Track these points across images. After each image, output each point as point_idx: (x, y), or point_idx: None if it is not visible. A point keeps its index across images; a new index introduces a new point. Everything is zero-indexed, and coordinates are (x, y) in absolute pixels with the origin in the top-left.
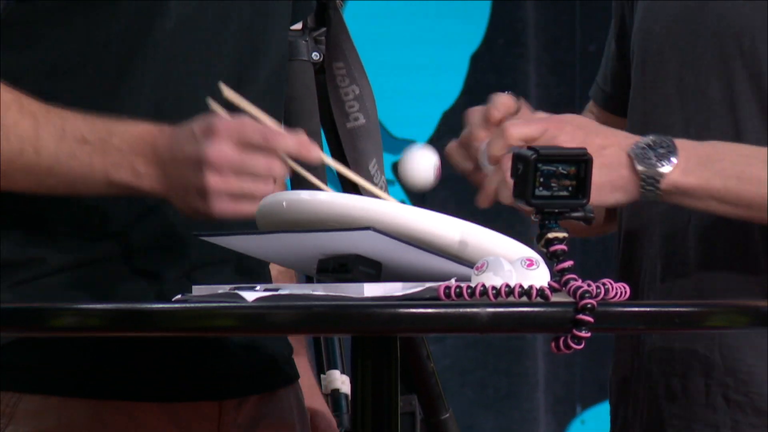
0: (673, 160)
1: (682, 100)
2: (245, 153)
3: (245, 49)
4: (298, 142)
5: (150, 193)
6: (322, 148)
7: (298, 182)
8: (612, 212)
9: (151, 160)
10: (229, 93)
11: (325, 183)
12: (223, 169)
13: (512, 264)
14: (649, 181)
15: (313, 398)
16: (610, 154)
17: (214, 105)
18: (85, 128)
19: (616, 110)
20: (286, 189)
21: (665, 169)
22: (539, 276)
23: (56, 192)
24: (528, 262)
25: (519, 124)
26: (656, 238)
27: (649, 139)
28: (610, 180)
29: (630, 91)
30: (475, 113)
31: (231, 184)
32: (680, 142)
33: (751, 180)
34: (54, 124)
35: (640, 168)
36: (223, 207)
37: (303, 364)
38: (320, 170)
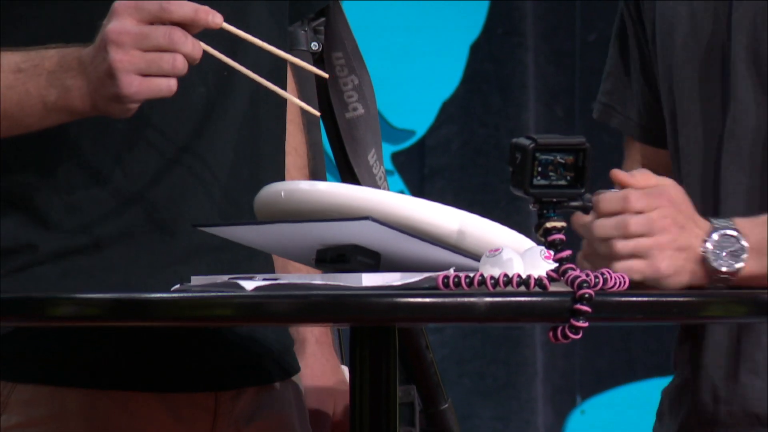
0: (743, 259)
1: (704, 113)
2: (145, 26)
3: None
4: (194, 9)
5: (81, 108)
6: (320, 137)
7: (315, 173)
8: None
9: (77, 71)
10: None
11: (324, 171)
12: (125, 44)
13: (529, 252)
14: (724, 278)
15: (337, 385)
16: (690, 245)
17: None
18: (20, 58)
19: (656, 142)
20: (306, 177)
21: (739, 264)
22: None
23: (5, 131)
24: (546, 253)
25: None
26: None
27: (720, 235)
28: (686, 268)
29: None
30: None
31: (135, 58)
32: (742, 226)
33: None
34: None
35: (719, 268)
36: (133, 84)
37: (327, 350)
38: (318, 157)
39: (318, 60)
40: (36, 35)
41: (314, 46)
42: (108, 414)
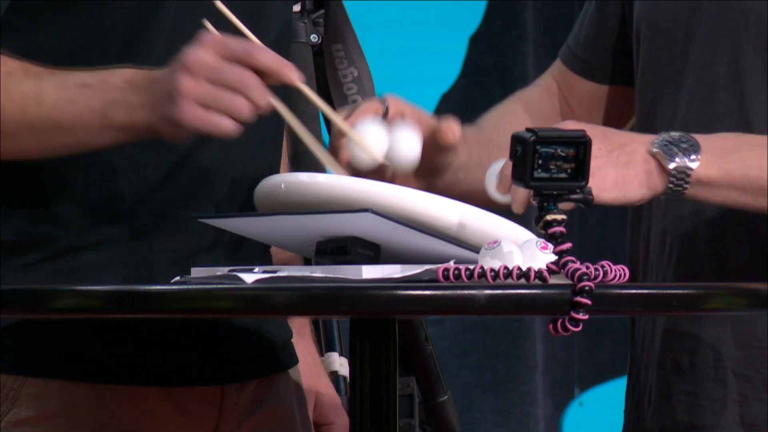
0: (697, 154)
1: (688, 75)
2: (223, 62)
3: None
4: (277, 61)
5: (140, 125)
6: (320, 131)
7: (294, 162)
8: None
9: (145, 90)
10: (221, 6)
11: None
12: (197, 73)
13: (526, 244)
14: (680, 176)
15: (317, 377)
16: (634, 152)
17: (209, 25)
18: (88, 75)
19: (586, 74)
20: (285, 167)
21: (694, 163)
22: (550, 259)
23: (60, 148)
24: (543, 244)
25: None
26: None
27: (668, 135)
28: (637, 175)
29: (636, 68)
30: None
31: (202, 88)
32: (697, 137)
33: None
34: (57, 76)
35: (670, 165)
36: (192, 113)
37: (307, 342)
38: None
39: (317, 52)
40: (60, 41)
41: (314, 38)
42: (117, 408)
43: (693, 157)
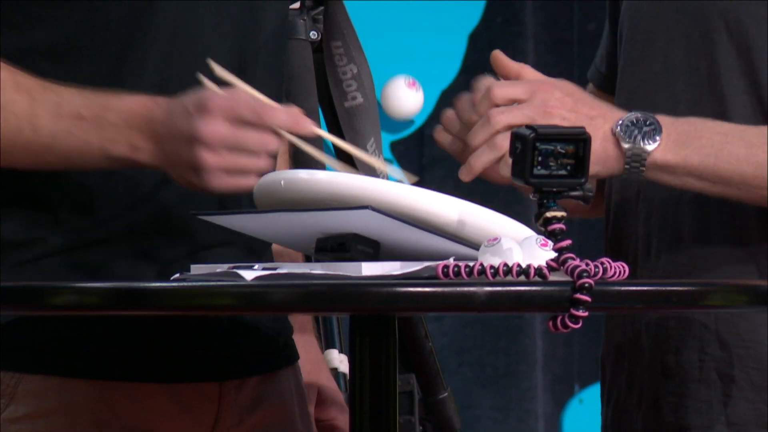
0: (658, 138)
1: (668, 78)
2: (238, 129)
3: (245, 28)
4: (290, 117)
5: (148, 166)
6: (320, 128)
7: (296, 158)
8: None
9: (147, 134)
10: (219, 70)
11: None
12: (216, 146)
13: (526, 241)
14: (635, 158)
15: (320, 373)
16: (596, 126)
17: (206, 81)
18: (81, 104)
19: (612, 90)
20: (286, 163)
21: (650, 147)
22: (550, 256)
23: (54, 168)
24: (542, 241)
25: (505, 85)
26: (649, 213)
27: (634, 116)
28: (593, 151)
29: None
30: (463, 100)
31: (225, 159)
32: (663, 119)
33: (729, 158)
34: (49, 100)
35: (626, 146)
36: (219, 182)
37: (309, 338)
38: (318, 146)
39: (317, 49)
40: (53, 37)
41: (313, 35)
42: (115, 405)
43: (651, 140)
